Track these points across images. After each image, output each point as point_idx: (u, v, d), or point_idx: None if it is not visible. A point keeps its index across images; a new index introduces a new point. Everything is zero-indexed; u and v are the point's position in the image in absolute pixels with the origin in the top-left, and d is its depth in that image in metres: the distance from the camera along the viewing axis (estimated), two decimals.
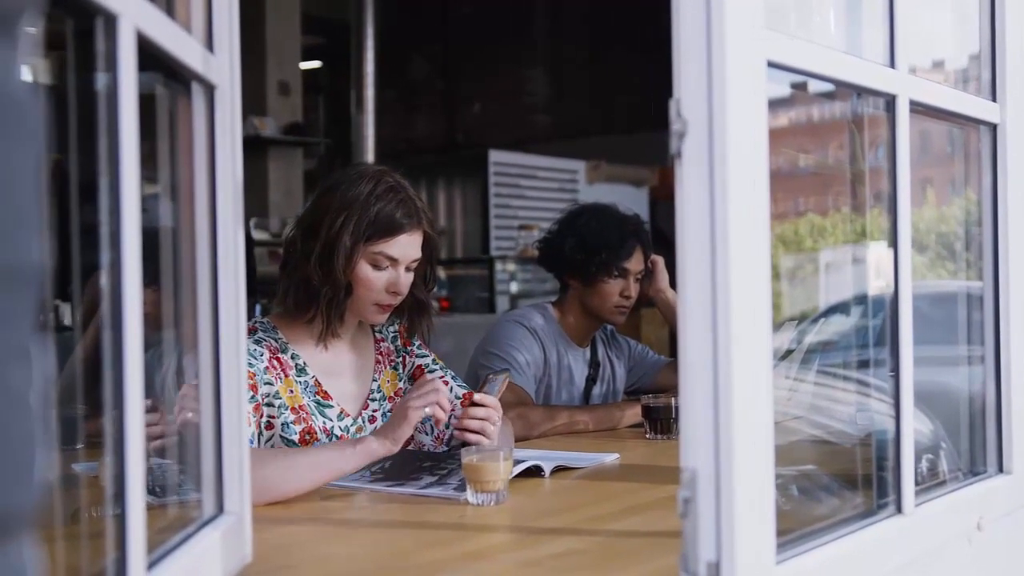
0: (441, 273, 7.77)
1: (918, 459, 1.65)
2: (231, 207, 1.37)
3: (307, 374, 2.23)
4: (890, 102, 1.54)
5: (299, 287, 2.21)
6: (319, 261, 2.17)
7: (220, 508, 1.37)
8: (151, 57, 1.11)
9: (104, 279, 1.01)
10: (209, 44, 1.34)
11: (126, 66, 1.00)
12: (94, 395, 1.10)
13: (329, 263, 2.17)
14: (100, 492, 1.46)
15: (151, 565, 1.08)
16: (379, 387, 2.35)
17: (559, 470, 2.18)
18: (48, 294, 0.63)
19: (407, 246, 2.22)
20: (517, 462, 2.02)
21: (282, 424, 2.15)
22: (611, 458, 2.35)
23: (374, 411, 2.33)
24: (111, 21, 0.99)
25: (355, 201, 2.17)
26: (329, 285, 2.18)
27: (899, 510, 1.52)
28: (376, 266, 2.20)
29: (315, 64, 10.15)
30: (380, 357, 2.38)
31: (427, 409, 1.99)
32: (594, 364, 3.15)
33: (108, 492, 1.29)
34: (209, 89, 1.34)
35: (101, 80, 1.01)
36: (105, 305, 1.00)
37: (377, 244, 2.18)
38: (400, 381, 2.40)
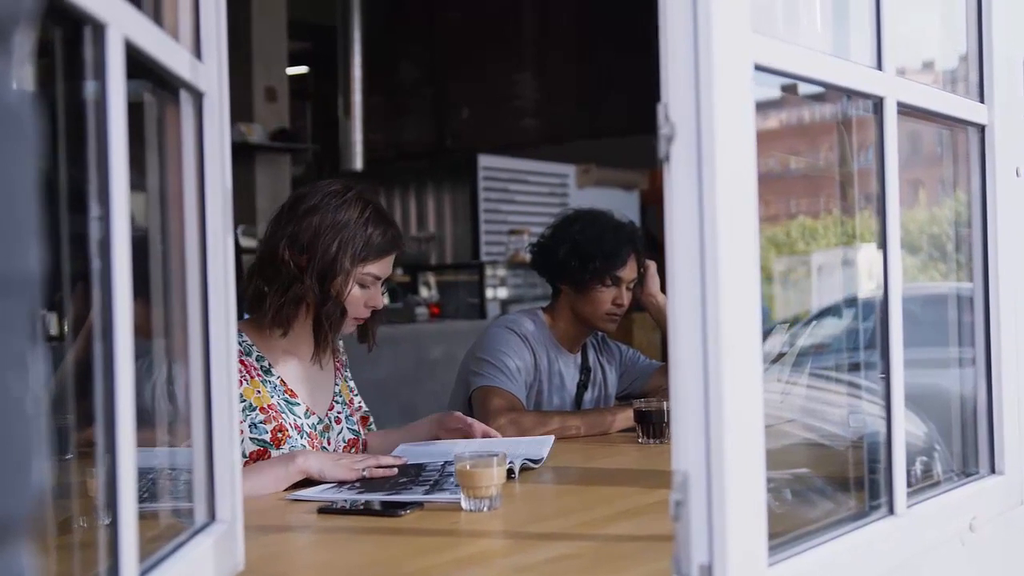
0: (431, 279, 7.76)
1: (912, 461, 1.66)
2: (220, 215, 1.37)
3: (273, 375, 2.30)
4: (878, 104, 1.54)
5: (291, 304, 2.26)
6: (317, 282, 2.25)
7: (212, 516, 1.36)
8: (138, 64, 1.10)
9: (94, 288, 1.00)
10: (197, 51, 1.34)
11: (115, 75, 1.00)
12: (84, 405, 1.09)
13: (326, 285, 2.25)
14: (88, 502, 1.46)
15: (143, 573, 1.07)
16: (339, 391, 2.46)
17: (526, 469, 2.21)
18: (41, 303, 0.64)
19: (390, 265, 2.35)
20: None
21: (251, 425, 2.21)
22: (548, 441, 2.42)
23: (338, 413, 2.43)
24: (99, 30, 0.99)
25: (347, 225, 2.26)
26: (330, 305, 2.27)
27: (891, 511, 1.53)
28: (362, 285, 2.31)
29: (302, 69, 10.12)
30: (339, 366, 2.50)
31: (365, 472, 2.11)
32: (585, 369, 3.14)
33: (94, 502, 1.29)
34: (197, 97, 1.34)
35: (89, 88, 1.01)
36: (95, 314, 1.00)
37: (368, 266, 2.29)
38: (351, 392, 2.52)
